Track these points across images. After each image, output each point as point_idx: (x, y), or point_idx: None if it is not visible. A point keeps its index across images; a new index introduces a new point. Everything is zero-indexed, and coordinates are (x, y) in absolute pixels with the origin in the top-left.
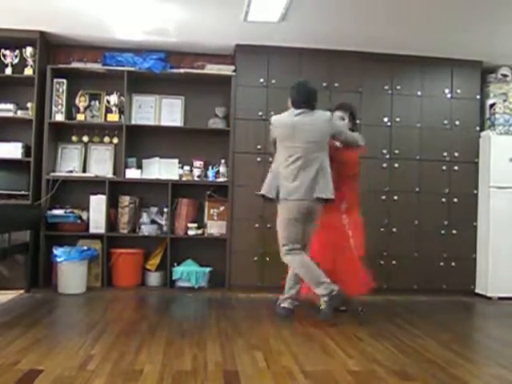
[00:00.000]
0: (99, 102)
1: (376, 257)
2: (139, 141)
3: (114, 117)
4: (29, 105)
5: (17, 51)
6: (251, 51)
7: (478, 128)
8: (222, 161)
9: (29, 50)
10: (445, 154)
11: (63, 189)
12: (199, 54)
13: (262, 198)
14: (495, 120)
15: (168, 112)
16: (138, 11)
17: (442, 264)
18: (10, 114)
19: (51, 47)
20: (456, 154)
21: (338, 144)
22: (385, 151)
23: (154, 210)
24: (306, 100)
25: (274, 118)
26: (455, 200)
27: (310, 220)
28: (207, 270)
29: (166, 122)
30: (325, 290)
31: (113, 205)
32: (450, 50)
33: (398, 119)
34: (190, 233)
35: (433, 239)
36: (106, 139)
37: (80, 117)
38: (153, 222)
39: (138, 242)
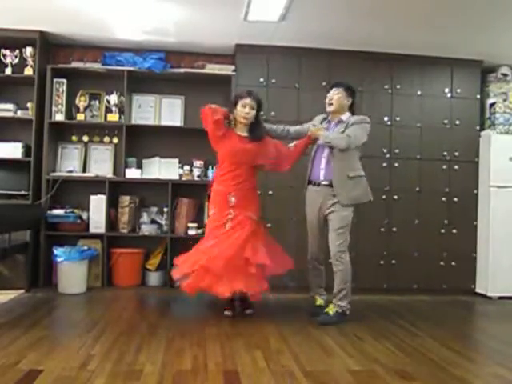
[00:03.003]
0: (99, 102)
1: (376, 256)
2: (139, 141)
3: (113, 117)
4: (29, 105)
5: (17, 51)
6: (251, 51)
7: (478, 127)
8: None
9: (29, 50)
10: (445, 153)
11: (63, 189)
12: (199, 54)
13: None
14: (495, 119)
15: (168, 112)
16: (138, 11)
17: (442, 263)
18: (10, 114)
19: (51, 47)
20: (456, 154)
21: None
22: (385, 150)
23: (154, 209)
24: None
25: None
26: (455, 199)
27: None
28: None
29: (166, 121)
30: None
31: (113, 205)
32: (450, 50)
33: (398, 118)
34: (190, 232)
35: (433, 238)
36: (106, 139)
37: (80, 116)
38: (153, 221)
39: (138, 241)
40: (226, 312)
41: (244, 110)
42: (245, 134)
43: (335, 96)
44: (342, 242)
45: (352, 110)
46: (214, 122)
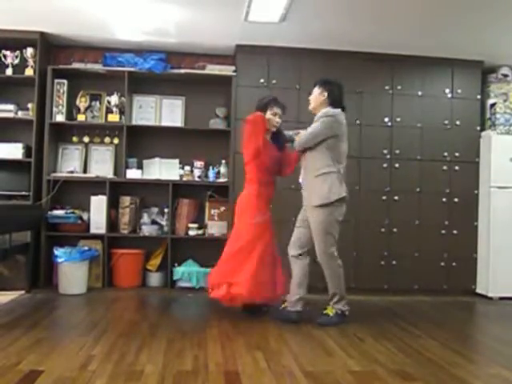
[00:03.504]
0: (100, 103)
1: (377, 257)
2: (140, 141)
3: (114, 117)
4: (29, 105)
5: (17, 52)
6: (252, 51)
7: (478, 128)
8: (223, 161)
9: (29, 51)
10: (445, 153)
11: (64, 189)
12: (200, 55)
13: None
14: (496, 120)
15: (168, 112)
16: (139, 11)
17: (442, 264)
18: (11, 115)
19: (52, 48)
20: (457, 154)
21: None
22: (385, 151)
23: (155, 210)
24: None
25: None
26: (456, 200)
27: None
28: (208, 270)
29: (166, 122)
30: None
31: (113, 205)
32: (451, 50)
33: (398, 119)
34: (191, 233)
35: (433, 239)
36: (107, 139)
37: (81, 117)
38: (153, 222)
39: (139, 242)
40: (264, 308)
41: (275, 118)
42: (269, 140)
43: (312, 96)
44: (324, 246)
45: (332, 102)
46: (266, 130)
